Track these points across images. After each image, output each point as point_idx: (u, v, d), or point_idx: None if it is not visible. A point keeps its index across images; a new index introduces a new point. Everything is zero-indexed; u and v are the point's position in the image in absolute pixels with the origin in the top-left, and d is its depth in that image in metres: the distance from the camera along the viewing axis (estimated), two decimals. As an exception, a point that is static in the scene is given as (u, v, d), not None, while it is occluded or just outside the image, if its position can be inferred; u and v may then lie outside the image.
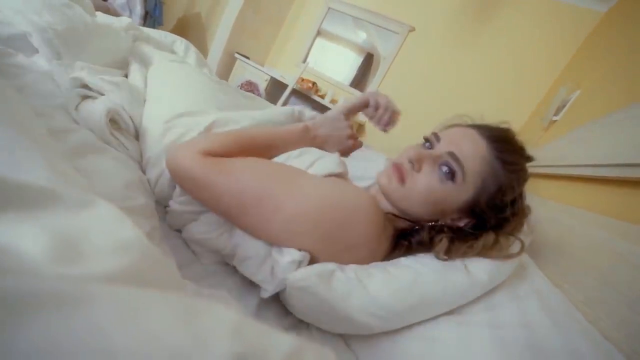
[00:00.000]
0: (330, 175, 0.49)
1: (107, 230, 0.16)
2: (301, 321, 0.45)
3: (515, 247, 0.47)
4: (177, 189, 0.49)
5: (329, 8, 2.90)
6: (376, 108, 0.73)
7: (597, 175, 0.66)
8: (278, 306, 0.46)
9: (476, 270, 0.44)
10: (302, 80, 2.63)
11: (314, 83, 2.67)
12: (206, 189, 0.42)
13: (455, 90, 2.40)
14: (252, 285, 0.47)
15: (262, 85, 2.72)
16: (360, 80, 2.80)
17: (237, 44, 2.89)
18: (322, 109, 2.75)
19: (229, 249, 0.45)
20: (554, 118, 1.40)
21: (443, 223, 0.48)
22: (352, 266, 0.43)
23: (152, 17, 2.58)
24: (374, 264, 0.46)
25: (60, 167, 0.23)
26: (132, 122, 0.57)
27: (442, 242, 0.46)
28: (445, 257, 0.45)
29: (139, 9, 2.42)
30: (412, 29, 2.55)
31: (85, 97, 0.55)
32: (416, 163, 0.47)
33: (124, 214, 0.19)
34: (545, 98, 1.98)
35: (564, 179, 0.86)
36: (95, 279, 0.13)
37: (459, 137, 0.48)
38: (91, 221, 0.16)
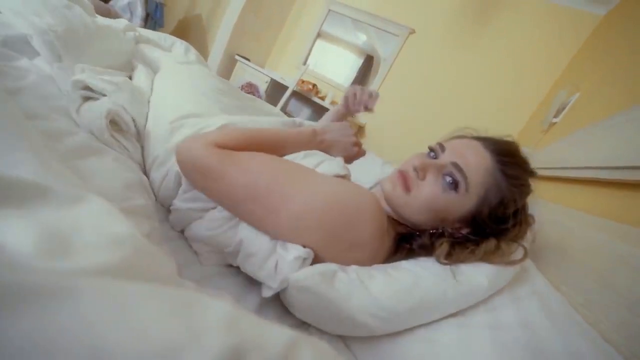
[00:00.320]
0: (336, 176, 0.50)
1: (98, 225, 0.16)
2: (301, 323, 0.45)
3: (518, 253, 0.47)
4: (183, 186, 0.49)
5: (329, 10, 2.92)
6: (354, 96, 0.78)
7: (598, 178, 0.66)
8: (278, 307, 0.46)
9: (477, 274, 0.44)
10: (303, 82, 2.64)
11: (314, 85, 2.68)
12: (219, 179, 0.43)
13: (455, 92, 2.41)
14: (252, 286, 0.47)
15: (263, 87, 2.73)
16: (360, 82, 2.81)
17: (237, 46, 2.90)
18: (322, 110, 2.76)
19: (234, 245, 0.44)
20: (554, 120, 1.40)
21: (443, 231, 0.48)
22: (354, 267, 0.43)
23: (153, 19, 2.59)
24: (375, 266, 0.46)
25: (53, 165, 0.23)
26: (134, 123, 0.57)
27: (443, 247, 0.46)
28: (446, 262, 0.45)
29: (140, 11, 2.44)
30: (412, 32, 2.56)
31: (87, 99, 0.55)
32: (420, 172, 0.48)
33: (117, 210, 0.18)
34: (545, 100, 1.98)
35: (564, 181, 0.85)
36: (85, 273, 0.13)
37: (463, 148, 0.48)
38: (82, 216, 0.16)
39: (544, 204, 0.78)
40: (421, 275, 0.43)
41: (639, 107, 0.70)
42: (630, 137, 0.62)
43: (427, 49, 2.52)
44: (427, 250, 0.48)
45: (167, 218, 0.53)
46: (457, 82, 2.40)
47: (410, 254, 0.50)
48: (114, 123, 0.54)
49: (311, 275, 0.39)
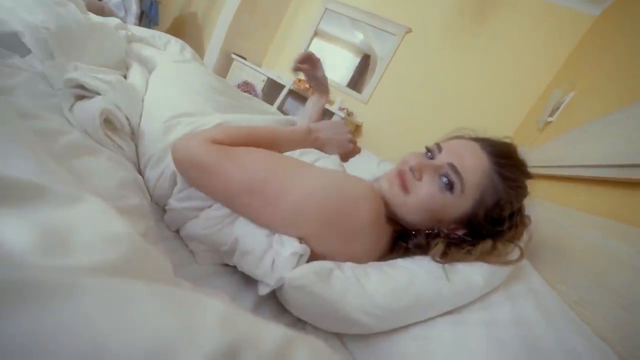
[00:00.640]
0: None
1: (95, 224, 0.16)
2: (298, 321, 0.45)
3: (515, 253, 0.47)
4: (178, 185, 0.49)
5: (326, 9, 2.91)
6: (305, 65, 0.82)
7: (594, 176, 0.66)
8: (275, 305, 0.46)
9: (473, 273, 0.44)
10: (299, 80, 2.64)
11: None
12: (216, 174, 0.43)
13: (451, 91, 2.42)
14: (248, 285, 0.47)
15: (259, 85, 2.71)
16: (357, 81, 2.81)
17: (233, 45, 2.89)
18: (319, 109, 2.75)
19: (229, 244, 0.44)
20: (549, 119, 1.41)
21: (439, 232, 0.48)
22: (350, 265, 0.43)
23: (147, 17, 2.57)
24: (370, 263, 0.46)
25: (50, 165, 0.23)
26: (128, 121, 0.56)
27: (438, 246, 0.46)
28: (442, 261, 0.45)
29: (134, 9, 2.41)
30: (409, 31, 2.56)
31: (80, 98, 0.54)
32: (417, 172, 0.48)
33: (114, 210, 0.19)
34: (541, 99, 2.00)
35: (560, 179, 0.86)
36: (83, 271, 0.13)
37: (460, 149, 0.48)
38: (79, 215, 0.16)
39: (539, 203, 0.79)
40: (417, 273, 0.43)
41: (638, 104, 0.70)
42: (629, 134, 0.62)
43: (423, 48, 2.53)
44: (422, 249, 0.48)
45: (162, 217, 0.52)
46: (453, 81, 2.41)
47: (406, 252, 0.50)
48: (108, 122, 0.53)
49: (307, 273, 0.39)
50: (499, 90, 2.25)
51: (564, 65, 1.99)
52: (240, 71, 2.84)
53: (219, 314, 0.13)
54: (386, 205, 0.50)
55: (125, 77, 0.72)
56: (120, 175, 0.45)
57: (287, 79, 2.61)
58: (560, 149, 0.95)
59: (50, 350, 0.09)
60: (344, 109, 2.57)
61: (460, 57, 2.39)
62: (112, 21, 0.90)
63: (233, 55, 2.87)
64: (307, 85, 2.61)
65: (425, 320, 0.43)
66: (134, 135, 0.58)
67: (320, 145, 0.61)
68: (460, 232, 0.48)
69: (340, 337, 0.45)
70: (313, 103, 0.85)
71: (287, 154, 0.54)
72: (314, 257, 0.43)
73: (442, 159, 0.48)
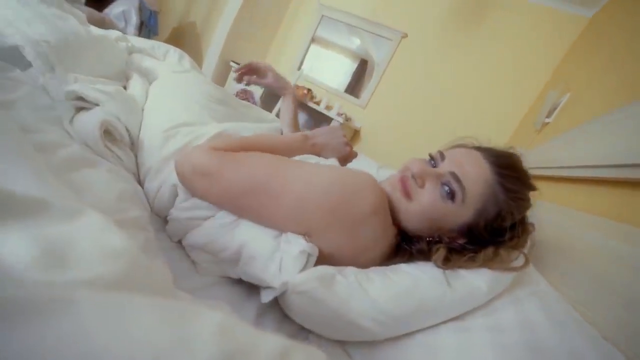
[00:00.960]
0: None
1: (95, 239, 0.16)
2: (301, 330, 0.45)
3: (519, 260, 0.47)
4: (180, 195, 0.49)
5: (323, 16, 2.94)
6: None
7: (594, 177, 0.66)
8: (277, 314, 0.46)
9: (475, 280, 0.44)
10: (297, 87, 2.65)
11: (309, 90, 2.70)
12: (219, 177, 0.44)
13: (448, 95, 2.43)
14: (250, 295, 0.46)
15: (258, 93, 2.73)
16: (354, 86, 2.83)
17: (232, 53, 2.91)
18: (318, 115, 2.77)
19: (234, 249, 0.44)
20: (547, 120, 1.42)
21: (440, 239, 0.48)
22: (352, 270, 0.43)
23: (147, 27, 2.60)
24: (373, 268, 0.46)
25: (51, 179, 0.23)
26: (128, 132, 0.57)
27: (439, 252, 0.46)
28: (444, 267, 0.45)
29: (134, 19, 2.44)
30: (405, 36, 2.59)
31: (80, 109, 0.54)
32: (419, 179, 0.48)
33: (113, 224, 0.19)
34: (537, 101, 2.01)
35: (559, 180, 0.86)
36: (82, 285, 0.14)
37: (463, 158, 0.48)
38: (79, 230, 0.17)
39: (539, 204, 0.79)
40: (420, 278, 0.43)
41: (636, 104, 0.70)
42: (628, 134, 0.62)
43: (419, 52, 2.55)
44: (425, 255, 0.48)
45: (163, 228, 0.52)
46: (450, 84, 2.43)
47: (411, 258, 0.50)
48: (108, 133, 0.53)
49: (309, 279, 0.39)
50: (496, 93, 2.27)
51: (559, 66, 2.01)
52: (239, 79, 2.86)
53: (216, 325, 0.13)
54: (389, 209, 0.50)
55: (125, 87, 0.72)
56: (120, 187, 0.45)
57: (286, 85, 2.63)
58: (559, 150, 0.95)
59: (47, 364, 0.09)
60: (342, 114, 2.58)
61: (456, 60, 2.42)
62: (113, 33, 0.91)
63: (231, 63, 2.90)
64: (305, 92, 2.63)
65: (429, 327, 0.42)
66: (134, 145, 0.58)
67: (318, 151, 0.62)
68: (460, 241, 0.48)
69: (343, 345, 0.45)
70: (284, 107, 0.86)
71: None
72: (321, 257, 0.43)
73: (444, 167, 0.48)
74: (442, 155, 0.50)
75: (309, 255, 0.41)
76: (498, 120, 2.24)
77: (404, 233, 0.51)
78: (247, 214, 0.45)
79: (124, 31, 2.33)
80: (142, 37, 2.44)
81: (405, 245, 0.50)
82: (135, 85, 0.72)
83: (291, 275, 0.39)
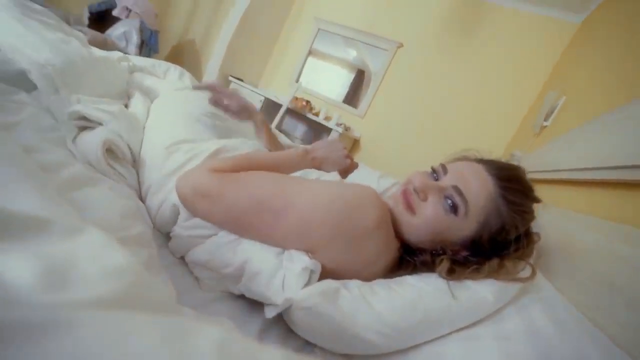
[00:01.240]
0: None
1: (97, 257, 0.17)
2: (306, 344, 0.44)
3: (526, 271, 0.46)
4: (182, 214, 0.49)
5: (319, 29, 3.01)
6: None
7: (594, 179, 0.66)
8: (282, 329, 0.45)
9: (481, 290, 0.43)
10: (296, 99, 2.69)
11: (307, 102, 2.73)
12: (220, 197, 0.44)
13: (446, 101, 2.46)
14: (254, 310, 0.46)
15: (257, 106, 2.77)
16: (352, 96, 2.87)
17: (231, 68, 2.97)
18: (317, 126, 2.80)
19: (237, 266, 0.44)
20: (545, 124, 1.43)
21: (443, 251, 0.48)
22: (356, 283, 0.43)
23: (147, 46, 2.66)
24: (378, 281, 0.45)
25: (54, 198, 0.23)
26: (130, 150, 0.57)
27: (443, 264, 0.46)
28: (449, 278, 0.45)
29: (135, 39, 2.50)
30: (401, 45, 2.64)
31: (83, 129, 0.56)
32: (421, 193, 0.48)
33: (115, 242, 0.19)
34: (534, 105, 2.03)
35: (559, 183, 0.86)
36: (83, 306, 0.14)
37: (465, 171, 0.48)
38: (81, 248, 0.17)
39: (543, 207, 0.78)
40: (425, 290, 0.43)
41: (637, 102, 0.71)
42: (627, 136, 0.62)
43: (415, 61, 2.59)
44: (429, 266, 0.48)
45: (165, 244, 0.52)
46: (447, 92, 2.46)
47: (415, 270, 0.50)
48: (111, 151, 0.54)
49: (313, 294, 0.38)
50: (493, 98, 2.29)
51: (553, 71, 2.04)
52: (239, 93, 2.90)
53: (216, 341, 0.13)
54: (394, 224, 0.50)
55: (126, 106, 0.74)
56: (123, 204, 0.45)
57: (285, 98, 2.67)
58: (558, 153, 0.96)
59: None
60: (341, 125, 2.60)
61: (451, 68, 2.45)
62: (114, 54, 0.93)
63: (230, 78, 2.95)
64: (304, 103, 2.66)
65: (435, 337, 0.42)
66: (136, 162, 0.59)
67: (318, 165, 0.62)
68: (464, 254, 0.48)
69: (348, 358, 0.44)
70: (262, 139, 0.78)
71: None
72: (324, 272, 0.43)
73: (446, 180, 0.48)
74: (444, 169, 0.50)
75: (312, 271, 0.41)
76: (496, 126, 2.26)
77: (407, 245, 0.51)
78: (249, 234, 0.45)
79: (125, 50, 2.39)
80: (143, 55, 2.50)
81: (409, 258, 0.50)
82: (137, 103, 0.74)
83: (294, 292, 0.39)
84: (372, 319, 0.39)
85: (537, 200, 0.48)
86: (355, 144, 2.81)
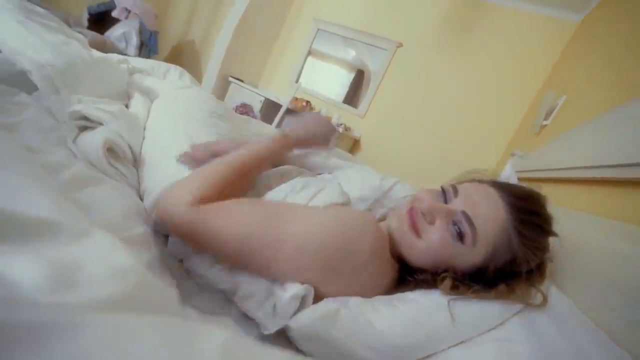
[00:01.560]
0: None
1: (102, 258, 0.17)
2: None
3: (537, 298, 0.44)
4: None
5: (318, 29, 3.01)
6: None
7: (596, 177, 0.66)
8: (283, 334, 0.45)
9: (486, 305, 0.42)
10: (296, 99, 2.69)
11: (307, 102, 2.73)
12: (207, 238, 0.41)
13: (446, 100, 2.46)
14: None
15: (257, 106, 2.77)
16: (352, 96, 2.87)
17: (230, 68, 2.97)
18: (317, 126, 2.79)
19: (230, 286, 0.44)
20: (544, 123, 1.43)
21: (445, 275, 0.45)
22: (356, 301, 0.42)
23: (147, 47, 2.66)
24: (378, 298, 0.44)
25: (59, 199, 0.24)
26: (131, 149, 0.58)
27: (446, 282, 0.43)
28: (453, 293, 0.43)
29: (134, 40, 2.50)
30: (400, 45, 2.64)
31: (83, 129, 0.56)
32: (428, 216, 0.45)
33: (121, 243, 0.19)
34: (534, 104, 2.03)
35: (561, 182, 0.86)
36: (89, 307, 0.14)
37: (477, 196, 0.44)
38: (87, 250, 0.17)
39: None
40: (427, 306, 0.41)
41: (637, 100, 0.70)
42: (628, 134, 0.62)
43: (415, 61, 2.60)
44: (429, 284, 0.46)
45: (165, 243, 0.52)
46: (447, 91, 2.46)
47: (417, 286, 0.48)
48: (112, 151, 0.54)
49: (313, 319, 0.37)
50: (493, 97, 2.30)
51: (552, 70, 2.04)
52: (238, 93, 2.91)
53: (219, 343, 0.13)
54: (392, 242, 0.48)
55: (127, 106, 0.74)
56: (124, 203, 0.45)
57: (284, 98, 2.67)
58: (558, 152, 0.96)
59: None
60: (341, 125, 2.61)
61: (451, 67, 2.45)
62: (113, 57, 0.94)
63: (230, 79, 2.95)
64: (304, 104, 2.67)
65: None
66: (136, 162, 0.59)
67: (305, 144, 0.59)
68: (467, 282, 0.45)
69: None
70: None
71: (288, 187, 0.53)
72: (319, 295, 0.42)
73: (456, 204, 0.45)
74: (455, 190, 0.46)
75: (304, 296, 0.40)
76: (496, 125, 2.26)
77: (405, 264, 0.49)
78: (241, 268, 0.43)
79: (124, 52, 2.39)
80: (142, 56, 2.50)
81: (409, 277, 0.48)
82: (137, 103, 0.74)
83: (287, 317, 0.39)
84: (374, 339, 0.38)
85: (553, 234, 0.45)
86: (355, 143, 2.81)
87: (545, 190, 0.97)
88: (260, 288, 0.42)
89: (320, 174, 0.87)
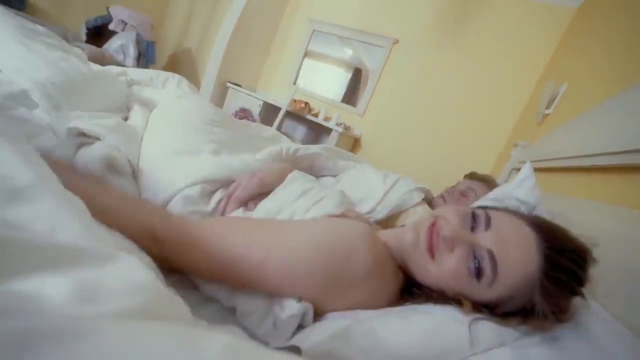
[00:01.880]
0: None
1: (123, 277, 0.19)
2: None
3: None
4: None
5: (314, 30, 3.02)
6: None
7: (603, 165, 0.65)
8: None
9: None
10: (295, 101, 2.70)
11: (306, 103, 2.74)
12: (193, 269, 0.42)
13: (445, 95, 2.45)
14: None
15: (256, 110, 2.78)
16: (351, 95, 2.87)
17: (228, 74, 2.99)
18: (317, 127, 2.80)
19: (229, 303, 0.44)
20: (547, 112, 1.42)
21: (452, 297, 0.42)
22: (367, 315, 0.40)
23: (145, 57, 2.68)
24: (390, 310, 0.43)
25: (87, 221, 0.25)
26: (129, 162, 0.58)
27: (466, 303, 0.40)
28: (473, 312, 0.40)
29: (132, 51, 2.52)
30: (396, 41, 2.63)
31: (82, 145, 0.56)
32: (449, 243, 0.41)
33: (141, 262, 0.21)
34: (535, 93, 2.01)
35: (566, 170, 0.85)
36: (108, 317, 0.15)
37: (511, 238, 0.40)
38: (110, 270, 0.19)
39: (549, 196, 0.78)
40: (442, 320, 0.39)
41: (636, 89, 0.70)
42: (631, 120, 0.61)
43: (412, 56, 2.59)
44: (442, 301, 0.43)
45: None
46: (446, 85, 2.45)
47: (428, 300, 0.45)
48: (111, 165, 0.55)
49: (324, 340, 0.36)
50: (492, 88, 2.28)
51: (552, 58, 2.02)
52: (237, 98, 2.92)
53: (224, 346, 0.14)
54: (402, 256, 0.46)
55: (126, 119, 0.74)
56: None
57: (283, 100, 2.67)
58: (562, 140, 0.95)
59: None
60: (341, 124, 2.61)
61: (449, 61, 2.44)
62: (113, 69, 0.95)
63: (228, 84, 2.97)
64: (303, 105, 2.67)
65: None
66: (135, 173, 0.60)
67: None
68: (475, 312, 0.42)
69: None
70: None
71: (286, 196, 0.53)
72: (318, 309, 0.41)
73: (485, 238, 0.40)
74: (488, 221, 0.42)
75: (303, 314, 0.40)
76: (497, 116, 2.24)
77: (412, 279, 0.47)
78: (233, 285, 0.43)
79: (122, 63, 2.41)
80: (140, 67, 2.52)
81: (416, 289, 0.46)
82: (137, 115, 0.74)
83: (287, 334, 0.38)
84: (387, 354, 0.36)
85: (582, 296, 0.39)
86: (355, 142, 2.80)
87: (550, 180, 0.96)
88: (258, 305, 0.41)
89: (324, 175, 0.87)
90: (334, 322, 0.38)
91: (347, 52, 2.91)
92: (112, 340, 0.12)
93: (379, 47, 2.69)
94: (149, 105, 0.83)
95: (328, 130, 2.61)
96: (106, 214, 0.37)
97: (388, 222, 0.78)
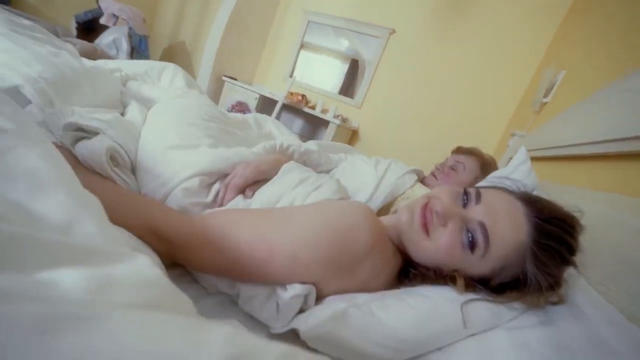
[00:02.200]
0: None
1: (133, 273, 0.20)
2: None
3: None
4: None
5: (309, 21, 2.97)
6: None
7: (598, 153, 0.65)
8: (291, 333, 0.45)
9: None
10: (291, 94, 2.67)
11: (303, 96, 2.71)
12: (199, 266, 0.42)
13: (443, 84, 2.43)
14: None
15: (252, 104, 2.75)
16: (348, 87, 2.84)
17: (223, 67, 2.95)
18: (314, 120, 2.78)
19: (232, 289, 0.44)
20: (545, 100, 1.41)
21: (455, 274, 0.44)
22: (365, 297, 0.41)
23: (138, 52, 2.64)
24: (387, 293, 0.44)
25: (105, 221, 0.27)
26: (129, 156, 0.58)
27: (460, 281, 0.42)
28: (467, 291, 0.42)
29: (125, 46, 2.48)
30: (393, 31, 2.60)
31: (79, 140, 0.55)
32: (442, 218, 0.43)
33: (152, 261, 0.22)
34: (533, 82, 2.00)
35: (564, 159, 0.85)
36: (119, 306, 0.17)
37: (501, 209, 0.42)
38: (122, 267, 0.20)
39: (546, 184, 0.78)
40: (438, 301, 0.41)
41: (635, 76, 0.69)
42: (629, 107, 0.61)
43: (409, 46, 2.56)
44: (437, 281, 0.45)
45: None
46: (443, 74, 2.43)
47: (424, 281, 0.47)
48: (113, 158, 0.54)
49: (322, 321, 0.37)
50: (490, 77, 2.27)
51: (550, 46, 2.00)
52: (233, 92, 2.89)
53: (225, 333, 0.15)
54: (399, 236, 0.48)
55: (123, 115, 0.73)
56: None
57: (279, 93, 2.65)
58: (560, 129, 0.94)
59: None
60: (338, 116, 2.59)
61: (446, 50, 2.42)
62: (106, 64, 0.93)
63: (224, 78, 2.93)
64: (300, 98, 2.65)
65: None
66: (133, 168, 0.59)
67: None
68: (474, 283, 0.44)
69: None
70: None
71: (286, 184, 0.53)
72: (321, 292, 0.42)
73: (475, 212, 0.42)
74: (478, 196, 0.44)
75: (306, 295, 0.40)
76: (495, 106, 2.23)
77: (410, 259, 0.48)
78: (238, 278, 0.43)
79: (115, 58, 2.37)
80: (134, 62, 2.47)
81: (413, 270, 0.47)
82: (133, 111, 0.73)
83: (290, 314, 0.39)
84: (384, 336, 0.37)
85: (574, 265, 0.41)
86: (353, 134, 2.79)
87: (548, 169, 0.96)
88: (261, 290, 0.42)
89: (319, 172, 0.87)
90: (332, 305, 0.39)
91: (343, 43, 2.87)
92: (123, 325, 0.14)
93: (376, 38, 2.66)
94: (147, 105, 0.82)
95: (325, 123, 2.60)
96: (110, 212, 0.38)
97: (387, 209, 0.79)
